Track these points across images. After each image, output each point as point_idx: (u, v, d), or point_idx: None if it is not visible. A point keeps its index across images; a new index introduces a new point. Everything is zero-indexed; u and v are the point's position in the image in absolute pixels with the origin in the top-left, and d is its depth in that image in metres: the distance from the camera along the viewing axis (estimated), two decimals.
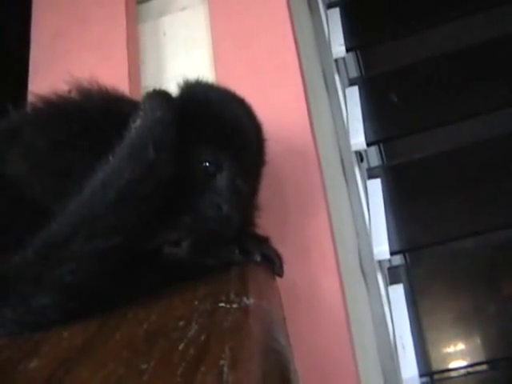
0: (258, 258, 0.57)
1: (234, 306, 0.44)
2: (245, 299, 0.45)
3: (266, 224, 0.65)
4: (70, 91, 0.57)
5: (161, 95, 0.55)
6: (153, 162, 0.49)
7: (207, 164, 0.57)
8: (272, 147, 0.64)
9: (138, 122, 0.51)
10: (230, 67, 0.86)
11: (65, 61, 0.90)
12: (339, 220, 0.83)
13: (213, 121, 0.58)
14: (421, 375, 0.83)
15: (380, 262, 0.95)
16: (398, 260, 1.06)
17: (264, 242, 0.61)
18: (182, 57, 0.94)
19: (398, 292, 0.92)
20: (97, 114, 0.55)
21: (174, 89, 0.60)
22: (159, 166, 0.50)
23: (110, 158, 0.49)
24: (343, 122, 1.06)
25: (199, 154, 0.57)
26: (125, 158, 0.49)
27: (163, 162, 0.50)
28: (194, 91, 0.62)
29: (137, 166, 0.49)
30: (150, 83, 0.91)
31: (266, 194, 0.67)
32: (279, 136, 0.67)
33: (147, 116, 0.52)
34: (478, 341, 0.88)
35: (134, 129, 0.51)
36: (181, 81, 0.62)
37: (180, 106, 0.55)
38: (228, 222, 0.55)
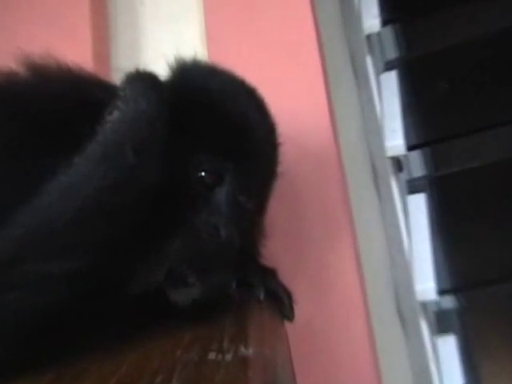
0: (262, 295, 0.59)
1: (228, 356, 0.44)
2: (242, 348, 0.46)
3: (274, 251, 0.68)
4: (18, 69, 0.58)
5: (147, 79, 0.56)
6: (132, 168, 0.51)
7: (204, 174, 0.59)
8: (284, 154, 0.68)
9: (116, 114, 0.52)
10: (226, 47, 0.88)
11: (11, 33, 0.93)
12: (369, 246, 0.85)
13: (214, 118, 0.60)
14: None
15: (424, 304, 0.96)
16: (448, 302, 1.05)
17: (270, 274, 0.64)
18: (165, 33, 0.96)
19: (448, 344, 0.93)
20: (57, 101, 0.55)
21: (158, 73, 0.61)
22: (140, 172, 0.51)
23: (76, 159, 0.50)
24: (376, 118, 1.08)
25: (194, 160, 0.59)
26: (95, 160, 0.50)
27: (145, 168, 0.52)
28: (190, 76, 0.63)
29: (110, 170, 0.50)
30: (122, 65, 0.93)
31: (274, 213, 0.70)
32: (290, 138, 0.69)
33: (128, 106, 0.53)
34: None
35: (109, 123, 0.52)
36: (171, 61, 0.64)
37: (171, 96, 0.57)
38: (226, 248, 0.57)
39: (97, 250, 0.49)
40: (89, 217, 0.49)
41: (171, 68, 0.63)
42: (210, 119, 0.60)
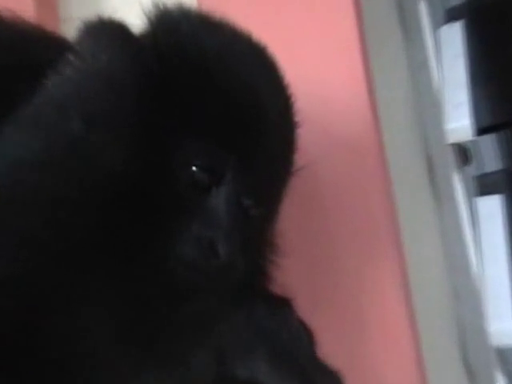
0: (272, 328, 0.63)
1: None
2: None
3: (290, 273, 0.70)
4: None
5: (113, 30, 0.58)
6: (78, 141, 0.51)
7: (195, 170, 0.61)
8: (304, 141, 0.70)
9: (65, 71, 0.54)
10: None
11: None
12: (421, 269, 0.87)
13: (209, 90, 0.62)
14: None
15: (501, 351, 0.96)
16: None
17: (283, 306, 0.67)
18: None
19: None
20: None
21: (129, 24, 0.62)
22: (92, 152, 0.52)
23: (5, 127, 0.51)
24: (431, 89, 1.07)
25: (182, 150, 0.60)
26: (27, 128, 0.50)
27: (101, 148, 0.53)
28: (176, 31, 0.64)
29: (46, 142, 0.50)
30: (74, 14, 0.96)
31: (290, 222, 0.72)
32: (314, 120, 0.72)
33: (83, 63, 0.54)
34: None
35: (53, 81, 0.53)
36: (147, 10, 0.64)
37: (148, 56, 0.58)
38: (226, 273, 0.59)
39: (23, 256, 0.51)
40: (12, 206, 0.50)
41: (149, 19, 0.64)
42: (205, 92, 0.61)
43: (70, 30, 0.60)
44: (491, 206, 1.03)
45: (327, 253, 0.85)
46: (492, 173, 1.11)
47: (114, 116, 0.55)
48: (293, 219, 0.75)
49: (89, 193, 0.53)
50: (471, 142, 1.07)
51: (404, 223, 0.87)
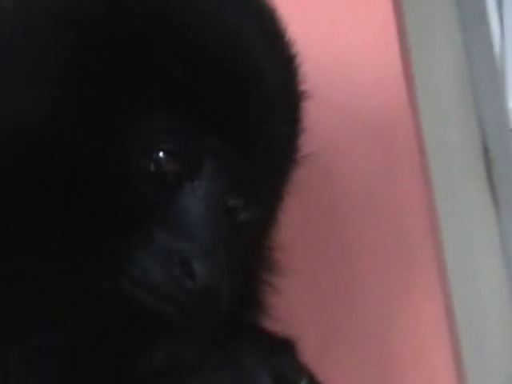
0: (268, 382, 0.57)
1: None
2: None
3: (294, 303, 0.69)
4: None
5: None
6: None
7: (162, 156, 0.55)
8: (313, 121, 0.65)
9: None
10: None
11: None
12: (470, 289, 0.87)
13: (181, 46, 0.57)
14: None
15: None
16: None
17: (282, 350, 0.61)
18: None
19: None
20: None
21: None
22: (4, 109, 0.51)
23: None
24: (491, 54, 1.02)
25: (143, 130, 0.56)
26: None
27: (17, 117, 0.51)
28: None
29: None
30: None
31: (297, 231, 0.71)
32: (330, 95, 0.72)
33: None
34: None
35: None
36: None
37: None
38: (204, 302, 0.54)
39: None
40: None
41: None
42: (174, 49, 0.56)
43: None
44: None
45: (345, 272, 0.80)
46: None
47: (38, 71, 0.52)
48: (299, 226, 0.73)
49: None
50: None
51: (452, 234, 0.85)
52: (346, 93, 0.82)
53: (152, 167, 0.55)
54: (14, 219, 0.52)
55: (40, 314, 0.54)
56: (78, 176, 0.53)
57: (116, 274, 0.53)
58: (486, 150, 1.01)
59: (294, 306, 0.69)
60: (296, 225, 0.71)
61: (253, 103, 0.59)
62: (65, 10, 0.55)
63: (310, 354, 0.62)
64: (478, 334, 0.88)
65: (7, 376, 0.53)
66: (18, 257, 0.53)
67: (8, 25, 0.54)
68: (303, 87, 0.64)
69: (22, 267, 0.52)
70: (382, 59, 0.83)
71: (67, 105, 0.53)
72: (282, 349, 0.61)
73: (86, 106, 0.54)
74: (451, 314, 0.81)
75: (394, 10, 0.84)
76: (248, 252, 0.62)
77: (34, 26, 0.55)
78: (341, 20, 0.84)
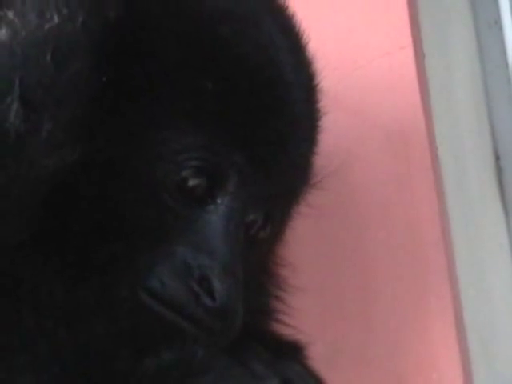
0: None
1: None
2: None
3: (303, 309, 0.67)
4: None
5: None
6: (16, 135, 0.48)
7: (189, 171, 0.56)
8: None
9: (1, 33, 0.50)
10: None
11: None
12: (480, 295, 0.84)
13: (202, 58, 0.57)
14: None
15: None
16: None
17: (290, 353, 0.62)
18: None
19: None
20: None
21: None
22: (30, 148, 0.49)
23: None
24: (504, 60, 1.01)
25: (168, 146, 0.56)
26: None
27: (45, 141, 0.49)
28: None
29: None
30: None
31: (308, 241, 0.72)
32: (341, 98, 0.72)
33: (23, 20, 0.50)
34: None
35: None
36: None
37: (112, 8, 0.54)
38: (223, 321, 0.55)
39: None
40: None
41: None
42: (207, 64, 0.57)
43: None
44: None
45: (355, 284, 0.79)
46: None
47: (62, 99, 0.51)
48: (310, 235, 0.73)
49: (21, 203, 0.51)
50: None
51: (463, 240, 0.83)
52: (359, 98, 0.82)
53: (180, 182, 0.55)
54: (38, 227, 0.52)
55: (56, 318, 0.54)
56: (105, 189, 0.53)
57: (133, 284, 0.54)
58: (497, 158, 0.99)
59: (304, 314, 0.67)
60: (307, 233, 0.70)
61: (280, 121, 0.59)
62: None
63: (317, 361, 0.63)
64: (488, 339, 0.86)
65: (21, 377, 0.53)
66: (40, 262, 0.53)
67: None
68: (321, 105, 0.65)
69: (42, 272, 0.53)
70: (397, 65, 0.83)
71: (100, 136, 0.53)
72: (291, 353, 0.62)
73: (113, 121, 0.54)
74: (461, 321, 0.80)
75: (409, 16, 0.84)
76: (258, 267, 0.63)
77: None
78: (356, 25, 0.85)
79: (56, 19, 0.51)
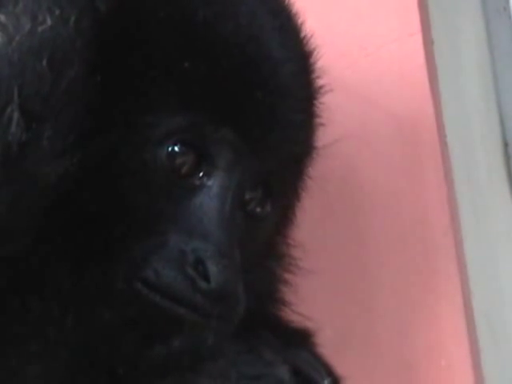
0: (286, 376, 0.57)
1: None
2: None
3: (312, 298, 0.67)
4: None
5: None
6: (19, 145, 0.48)
7: (176, 148, 0.55)
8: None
9: None
10: None
11: None
12: (489, 283, 0.85)
13: (192, 36, 0.57)
14: None
15: None
16: None
17: (299, 341, 0.62)
18: None
19: None
20: None
21: None
22: (29, 159, 0.49)
23: None
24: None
25: (156, 125, 0.56)
26: None
27: (43, 148, 0.49)
28: None
29: None
30: None
31: (315, 228, 0.71)
32: (346, 80, 0.71)
33: (17, 26, 0.50)
34: None
35: None
36: None
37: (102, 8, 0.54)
38: (219, 305, 0.54)
39: None
40: None
41: None
42: (187, 43, 0.57)
43: None
44: None
45: (364, 269, 0.79)
46: None
47: (61, 105, 0.50)
48: (317, 221, 0.73)
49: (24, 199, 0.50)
50: None
51: (472, 228, 0.83)
52: (368, 85, 0.82)
53: (167, 162, 0.55)
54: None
55: (53, 310, 0.54)
56: (90, 173, 0.53)
57: (129, 276, 0.53)
58: (505, 145, 1.00)
59: (312, 300, 0.68)
60: (315, 219, 0.70)
61: (264, 93, 0.58)
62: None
63: (326, 348, 0.63)
64: (496, 326, 0.87)
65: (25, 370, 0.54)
66: (37, 256, 0.52)
67: None
68: (320, 82, 0.65)
69: (40, 266, 0.52)
70: (406, 51, 0.82)
71: (82, 95, 0.52)
72: (300, 340, 0.62)
73: (100, 100, 0.53)
74: (470, 307, 0.80)
75: (418, 2, 0.84)
76: (265, 250, 0.62)
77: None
78: (365, 12, 0.84)
79: (49, 21, 0.50)
